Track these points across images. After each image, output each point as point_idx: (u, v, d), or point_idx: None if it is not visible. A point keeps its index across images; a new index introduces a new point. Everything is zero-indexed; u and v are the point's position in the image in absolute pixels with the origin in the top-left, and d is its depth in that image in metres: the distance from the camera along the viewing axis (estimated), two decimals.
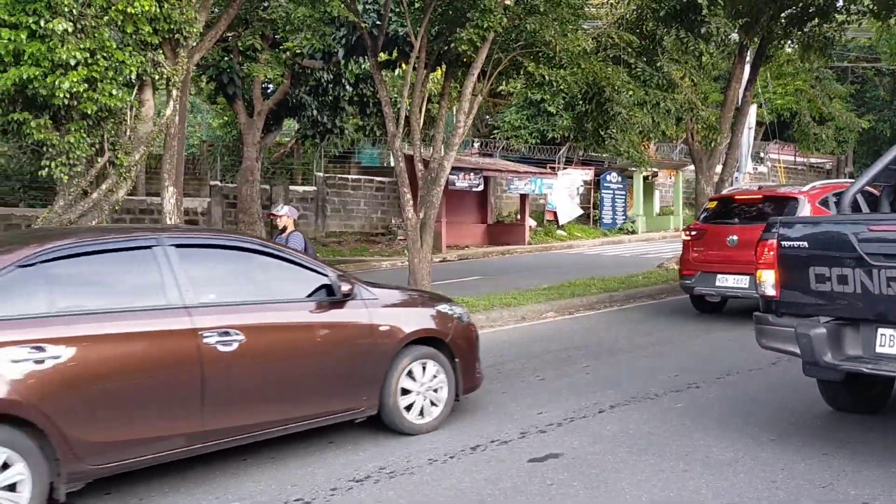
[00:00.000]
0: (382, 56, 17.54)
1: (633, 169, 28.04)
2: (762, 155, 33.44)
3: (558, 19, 10.45)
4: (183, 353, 4.67)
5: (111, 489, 4.76)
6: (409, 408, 5.73)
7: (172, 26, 7.88)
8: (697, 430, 5.66)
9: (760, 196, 10.37)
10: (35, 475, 4.10)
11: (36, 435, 4.13)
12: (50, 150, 7.40)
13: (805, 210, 9.29)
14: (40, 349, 4.17)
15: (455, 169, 23.01)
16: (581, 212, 27.22)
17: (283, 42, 16.59)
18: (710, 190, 14.96)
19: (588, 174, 27.59)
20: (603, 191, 27.60)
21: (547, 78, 10.35)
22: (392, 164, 25.92)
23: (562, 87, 10.52)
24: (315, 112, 21.36)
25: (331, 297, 5.39)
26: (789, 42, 16.70)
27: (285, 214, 8.47)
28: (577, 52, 10.37)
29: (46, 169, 7.41)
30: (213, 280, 5.10)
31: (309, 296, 5.39)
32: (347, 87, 21.34)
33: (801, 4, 14.21)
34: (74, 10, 6.94)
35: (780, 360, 7.41)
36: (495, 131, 29.47)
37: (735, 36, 15.19)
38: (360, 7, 15.89)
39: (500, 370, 7.89)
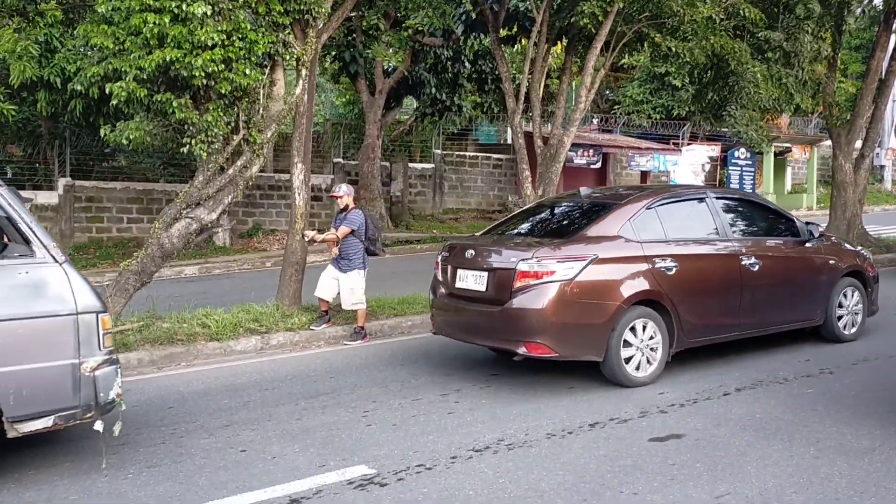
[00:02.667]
0: (502, 32, 17.50)
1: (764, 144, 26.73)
2: None
3: None
4: (732, 269, 6.86)
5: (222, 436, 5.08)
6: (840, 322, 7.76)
7: (302, 6, 8.14)
8: (830, 417, 5.40)
9: None
10: (663, 341, 6.46)
11: (664, 315, 6.46)
12: (190, 128, 7.86)
13: None
14: (665, 260, 6.46)
15: (573, 145, 22.69)
16: None
17: (404, 20, 16.78)
18: (848, 167, 14.05)
19: (714, 150, 26.51)
20: (730, 167, 26.46)
21: (673, 50, 10.00)
22: (509, 141, 25.90)
23: (688, 59, 10.14)
24: (434, 89, 21.51)
25: (798, 237, 7.57)
26: None
27: (345, 194, 8.60)
28: (703, 23, 9.95)
29: (187, 146, 7.88)
30: (735, 221, 7.29)
31: (784, 235, 7.55)
32: (466, 63, 21.37)
33: None
34: None
35: None
36: (616, 106, 28.78)
37: (878, 1, 14.16)
38: None
39: None
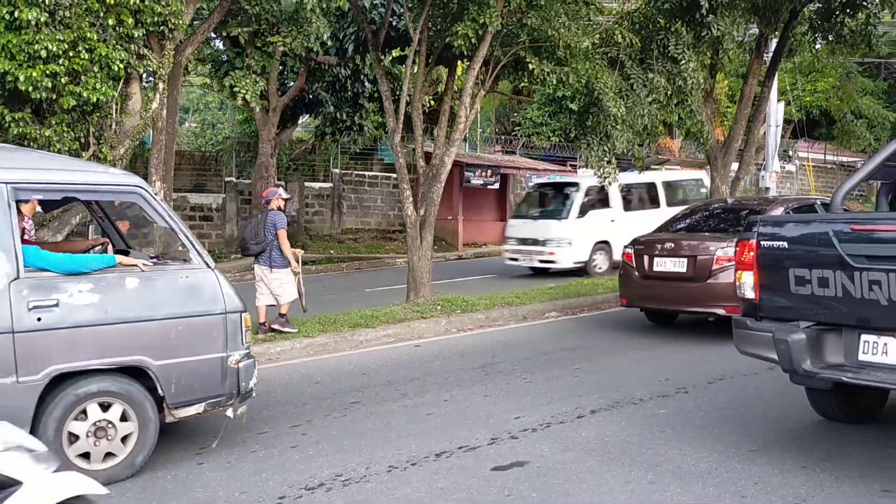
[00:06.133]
0: (396, 52, 17.37)
1: (657, 167, 27.52)
2: (790, 153, 32.58)
3: (566, 12, 10.13)
4: None
5: None
6: None
7: (157, 18, 7.76)
8: (676, 439, 5.38)
9: None
10: None
11: None
12: (31, 144, 7.34)
13: None
14: None
15: (471, 166, 22.80)
16: None
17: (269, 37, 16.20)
18: (724, 189, 14.51)
19: None
20: None
21: (548, 74, 10.06)
22: (415, 161, 25.82)
23: (553, 83, 10.23)
24: (333, 109, 21.20)
25: None
26: (817, 37, 16.06)
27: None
28: (578, 50, 10.05)
29: None
30: None
31: None
32: (366, 83, 21.15)
33: None
34: (48, 0, 6.84)
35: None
36: (517, 128, 29.15)
37: (755, 29, 14.75)
38: (367, 2, 15.74)
39: (489, 371, 7.67)
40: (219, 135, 34.48)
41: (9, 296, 4.44)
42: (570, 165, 26.75)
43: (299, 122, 24.30)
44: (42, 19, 6.78)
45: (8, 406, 4.28)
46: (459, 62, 11.84)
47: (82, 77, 7.32)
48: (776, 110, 29.01)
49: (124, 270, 4.91)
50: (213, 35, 16.99)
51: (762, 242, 4.86)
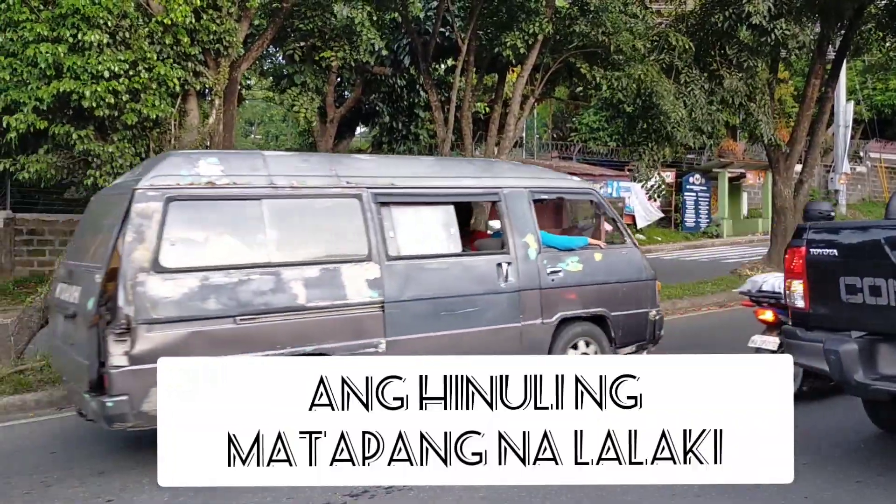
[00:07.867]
0: (450, 62, 17.48)
1: (718, 170, 27.00)
2: (861, 154, 31.47)
3: (613, 19, 10.05)
4: None
5: None
6: None
7: (212, 37, 8.03)
8: None
9: None
10: None
11: None
12: (95, 159, 7.67)
13: None
14: None
15: None
16: (661, 215, 26.36)
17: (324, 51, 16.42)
18: (787, 193, 14.14)
19: (669, 176, 26.68)
20: (685, 193, 26.63)
21: (598, 80, 10.01)
22: None
23: (606, 89, 10.15)
24: (389, 118, 21.43)
25: None
26: (887, 34, 15.46)
27: None
28: (629, 53, 9.96)
29: (91, 178, 7.67)
30: None
31: None
32: (422, 93, 21.31)
33: None
34: (110, 23, 7.14)
35: None
36: (573, 133, 28.96)
37: (817, 29, 14.36)
38: (422, 14, 15.88)
39: None
40: (282, 146, 35.34)
41: (537, 264, 6.34)
42: (628, 170, 26.40)
43: (356, 132, 24.65)
44: (104, 41, 7.08)
45: (537, 339, 6.28)
46: (510, 70, 11.85)
47: (142, 95, 7.60)
48: (845, 110, 28.20)
49: (592, 248, 6.78)
50: (273, 50, 17.36)
51: (811, 250, 4.73)
